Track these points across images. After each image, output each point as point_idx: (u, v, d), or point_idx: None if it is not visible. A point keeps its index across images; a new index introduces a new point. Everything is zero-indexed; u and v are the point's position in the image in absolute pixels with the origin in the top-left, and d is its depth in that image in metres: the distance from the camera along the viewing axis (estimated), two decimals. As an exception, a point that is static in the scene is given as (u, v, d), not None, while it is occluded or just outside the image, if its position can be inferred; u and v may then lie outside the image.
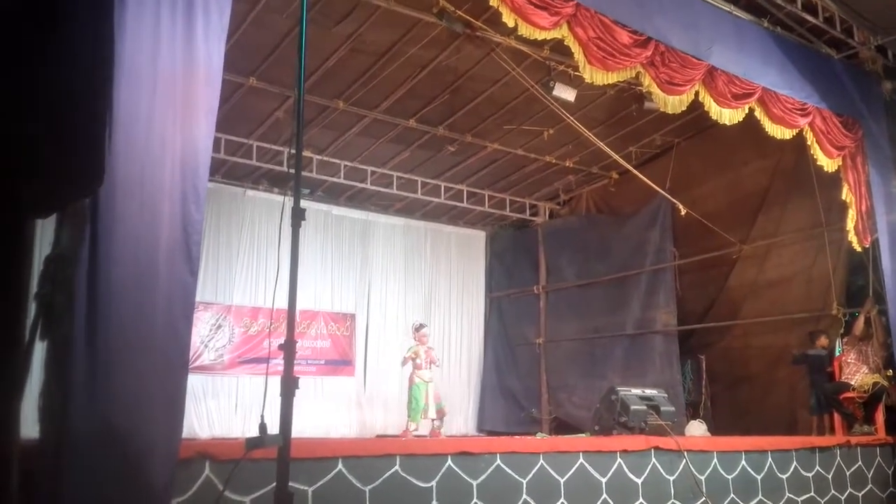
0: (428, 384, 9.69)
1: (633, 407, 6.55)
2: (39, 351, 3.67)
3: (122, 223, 3.63)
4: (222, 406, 11.07)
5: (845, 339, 8.90)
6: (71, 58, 1.53)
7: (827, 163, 8.09)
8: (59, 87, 1.50)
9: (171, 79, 3.92)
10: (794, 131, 7.75)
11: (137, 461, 3.46)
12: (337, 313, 12.63)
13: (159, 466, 3.53)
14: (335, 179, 11.64)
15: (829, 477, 7.21)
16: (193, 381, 10.02)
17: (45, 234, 4.16)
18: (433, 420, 9.71)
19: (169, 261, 3.79)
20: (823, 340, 9.03)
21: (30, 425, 3.52)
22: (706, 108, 7.24)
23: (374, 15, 7.90)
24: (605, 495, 5.59)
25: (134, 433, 3.46)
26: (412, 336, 10.27)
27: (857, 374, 8.54)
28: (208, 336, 11.21)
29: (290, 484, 2.89)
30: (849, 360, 8.68)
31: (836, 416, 8.58)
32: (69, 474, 3.28)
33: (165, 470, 3.55)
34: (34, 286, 3.87)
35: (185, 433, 3.79)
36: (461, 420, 13.33)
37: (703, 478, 6.18)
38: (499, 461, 5.11)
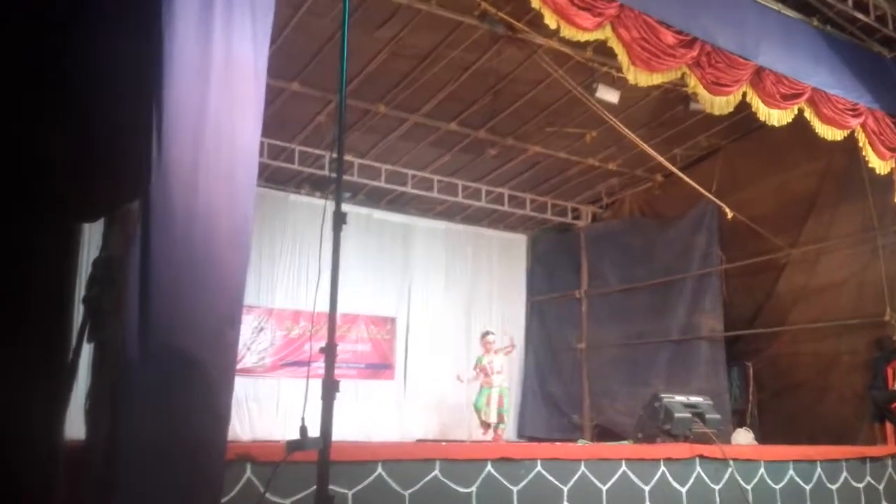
0: (492, 390, 9.98)
1: (677, 414, 6.42)
2: (86, 353, 3.72)
3: (175, 216, 3.49)
4: (263, 408, 11.17)
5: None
6: (115, 59, 1.53)
7: (879, 165, 7.87)
8: (103, 90, 1.50)
9: (224, 72, 3.88)
10: (846, 132, 7.55)
11: (187, 464, 3.36)
12: (378, 317, 12.64)
13: (210, 469, 3.43)
14: (376, 183, 11.68)
15: (881, 488, 7.00)
16: (235, 384, 10.12)
17: (93, 237, 4.22)
18: (490, 423, 9.95)
19: (226, 251, 3.67)
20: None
21: (76, 426, 3.57)
22: (754, 109, 7.08)
23: (415, 18, 7.92)
24: (648, 504, 5.50)
25: (186, 436, 3.37)
26: (480, 344, 10.50)
27: (910, 382, 8.29)
28: (250, 339, 11.32)
29: (331, 487, 2.89)
30: (902, 368, 8.44)
31: (889, 426, 8.33)
32: (118, 476, 3.21)
33: (217, 473, 3.46)
34: (81, 289, 3.93)
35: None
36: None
37: (749, 487, 6.04)
38: (539, 467, 5.05)
